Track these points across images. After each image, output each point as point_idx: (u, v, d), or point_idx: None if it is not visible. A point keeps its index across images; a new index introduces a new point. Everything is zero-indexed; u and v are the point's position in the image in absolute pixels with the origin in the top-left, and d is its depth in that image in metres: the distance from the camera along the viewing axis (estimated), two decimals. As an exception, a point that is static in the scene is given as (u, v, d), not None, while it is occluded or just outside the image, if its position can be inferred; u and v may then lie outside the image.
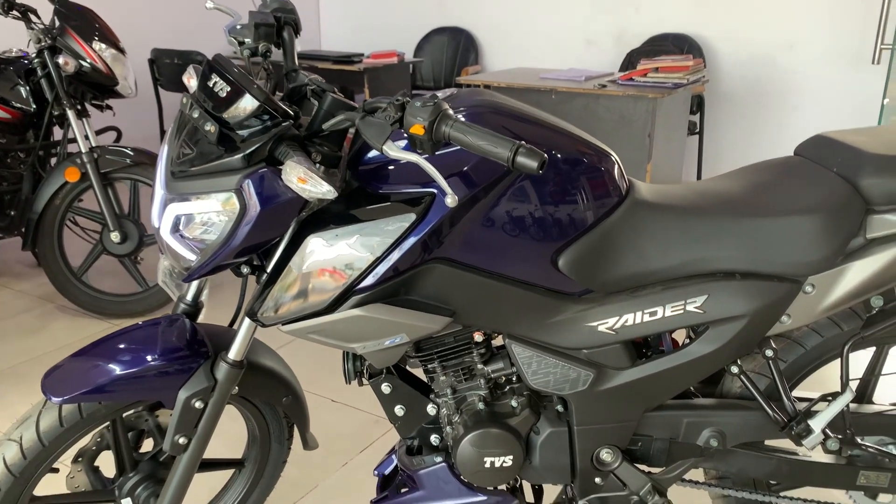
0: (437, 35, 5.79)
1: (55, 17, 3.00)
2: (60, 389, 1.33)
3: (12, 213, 3.27)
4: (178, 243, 1.27)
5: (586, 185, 1.32)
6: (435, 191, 1.24)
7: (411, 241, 1.25)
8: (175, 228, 1.27)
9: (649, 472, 1.52)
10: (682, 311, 1.36)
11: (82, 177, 3.00)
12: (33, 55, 3.02)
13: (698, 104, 4.64)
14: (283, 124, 1.21)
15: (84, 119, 3.05)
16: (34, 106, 3.11)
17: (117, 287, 3.24)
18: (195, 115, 1.24)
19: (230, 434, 2.15)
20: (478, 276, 1.30)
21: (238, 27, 1.44)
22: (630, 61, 4.85)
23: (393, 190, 1.27)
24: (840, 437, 1.45)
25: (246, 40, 1.42)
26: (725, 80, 4.75)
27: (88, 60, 2.98)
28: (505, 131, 1.29)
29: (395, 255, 1.25)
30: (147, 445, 1.61)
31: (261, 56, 1.41)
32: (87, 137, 3.01)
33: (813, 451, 1.50)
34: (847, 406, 1.44)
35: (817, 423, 1.42)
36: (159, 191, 1.29)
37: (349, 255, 1.25)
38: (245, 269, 1.36)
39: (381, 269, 1.25)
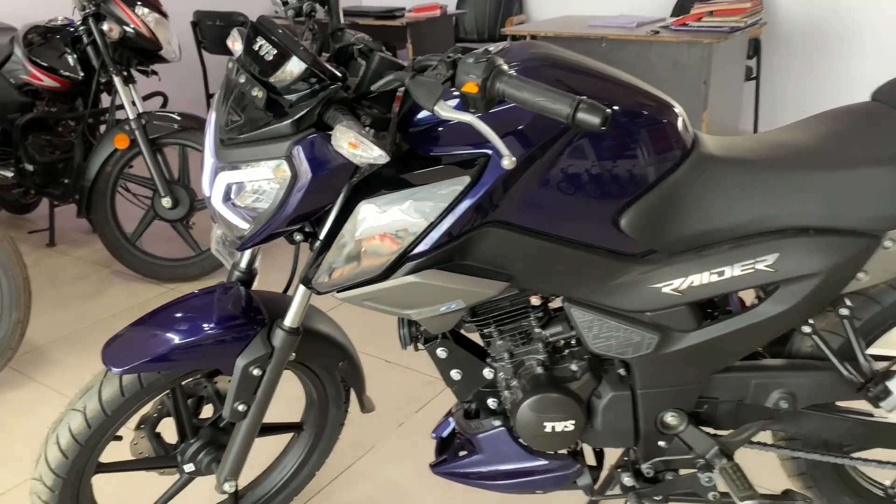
0: (480, -16, 5.63)
1: (98, -17, 2.99)
2: (120, 360, 1.34)
3: (66, 181, 3.31)
4: (231, 212, 1.25)
5: (649, 140, 1.25)
6: (489, 152, 1.19)
7: (466, 204, 1.20)
8: (227, 197, 1.24)
9: (715, 435, 1.48)
10: (751, 271, 1.30)
11: (131, 143, 3.01)
12: (78, 22, 3.02)
13: (755, 48, 4.45)
14: (332, 87, 1.17)
15: (131, 85, 3.05)
16: (82, 74, 3.12)
17: (171, 251, 3.28)
18: (242, 80, 1.21)
19: (288, 397, 2.17)
20: (535, 239, 1.26)
21: (281, -15, 1.40)
22: (682, 4, 4.65)
23: (445, 152, 1.22)
24: (921, 398, 1.38)
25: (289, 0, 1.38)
26: (784, 21, 4.54)
27: (132, 26, 2.97)
28: (561, 85, 1.22)
29: (450, 220, 1.21)
30: (207, 411, 1.63)
31: (305, 16, 1.37)
32: (134, 103, 3.01)
33: (890, 413, 1.44)
34: (928, 366, 1.37)
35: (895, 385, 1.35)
36: (209, 159, 1.27)
37: (402, 220, 1.21)
38: (298, 237, 1.34)
39: (435, 234, 1.22)
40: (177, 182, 3.10)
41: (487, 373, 1.49)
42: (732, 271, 1.30)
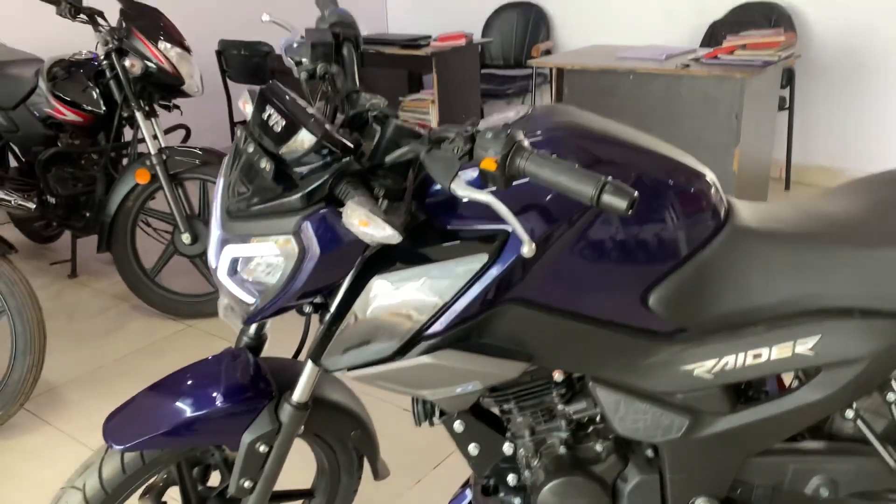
0: (506, 11, 5.58)
1: (121, 19, 2.98)
2: (122, 437, 1.28)
3: (87, 214, 3.30)
4: (237, 286, 1.19)
5: (680, 213, 1.18)
6: (509, 229, 1.12)
7: (484, 283, 1.13)
8: (233, 270, 1.19)
9: (750, 522, 1.39)
10: (790, 354, 1.21)
11: (152, 178, 2.98)
12: (102, 57, 3.01)
13: (788, 78, 4.34)
14: (344, 161, 1.11)
15: (152, 119, 3.03)
16: (104, 108, 3.10)
17: (190, 287, 3.24)
18: (250, 149, 1.15)
19: (299, 461, 2.10)
20: (558, 318, 1.18)
21: (294, 45, 1.34)
22: (713, 34, 4.56)
23: (463, 226, 1.15)
24: (976, 492, 1.28)
25: (303, 60, 1.32)
26: (818, 52, 4.42)
27: (154, 61, 2.95)
28: (587, 155, 1.15)
29: (466, 299, 1.14)
30: (215, 478, 1.56)
31: (318, 78, 1.31)
32: (155, 137, 3.00)
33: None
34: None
35: (948, 477, 1.25)
36: (215, 230, 1.21)
37: (416, 299, 1.14)
38: (308, 309, 1.28)
39: (451, 313, 1.15)
40: (197, 217, 3.07)
41: (507, 448, 1.41)
42: (770, 354, 1.21)
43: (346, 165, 1.11)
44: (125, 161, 3.32)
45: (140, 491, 1.50)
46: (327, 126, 1.10)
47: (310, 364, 1.30)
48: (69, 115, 3.11)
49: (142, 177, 2.98)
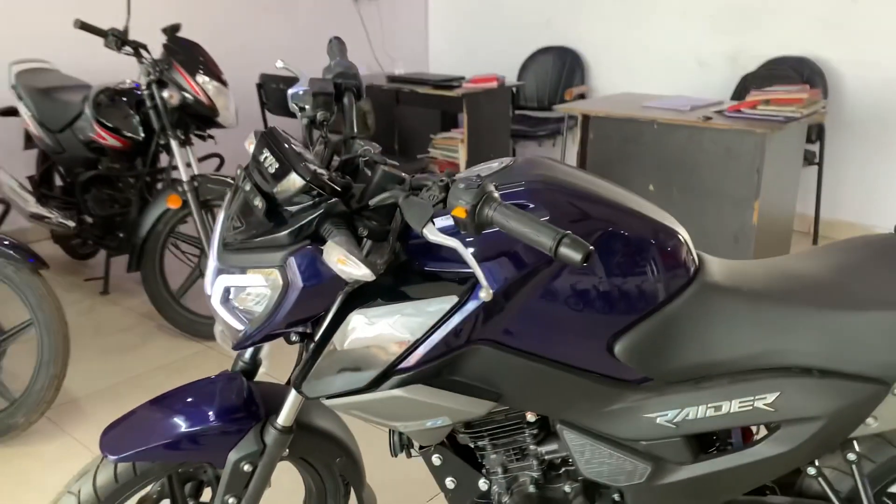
0: (542, 55, 5.70)
1: (164, 52, 3.15)
2: (116, 447, 1.37)
3: (121, 234, 3.45)
4: (228, 313, 1.28)
5: (648, 268, 1.23)
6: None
7: (453, 323, 1.20)
8: (226, 299, 1.27)
9: (714, 572, 1.41)
10: (750, 408, 1.25)
11: (183, 203, 3.12)
12: (143, 87, 3.18)
13: (818, 133, 4.35)
14: (330, 202, 1.19)
15: (187, 147, 3.18)
16: (143, 135, 3.27)
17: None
18: (247, 188, 1.25)
19: (290, 484, 2.17)
20: (525, 360, 1.24)
21: (300, 93, 1.44)
22: (744, 86, 4.59)
23: (439, 268, 1.23)
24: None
25: (306, 107, 1.42)
26: (850, 108, 4.42)
27: (191, 93, 3.10)
28: (562, 207, 1.22)
29: (436, 338, 1.21)
30: (207, 494, 1.64)
31: (318, 125, 1.41)
32: (189, 165, 3.14)
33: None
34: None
35: (903, 540, 1.27)
36: (212, 261, 1.30)
37: (389, 334, 1.22)
38: (294, 338, 1.36)
39: (422, 350, 1.22)
40: (223, 243, 3.19)
41: (482, 484, 1.46)
42: (730, 407, 1.26)
43: (332, 206, 1.19)
44: (160, 186, 3.48)
45: (135, 501, 1.59)
46: (316, 170, 1.19)
47: (293, 390, 1.38)
48: (110, 140, 3.28)
49: (173, 202, 3.12)
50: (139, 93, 3.26)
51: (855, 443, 1.32)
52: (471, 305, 1.19)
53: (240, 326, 1.27)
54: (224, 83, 3.22)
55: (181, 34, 3.27)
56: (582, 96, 5.35)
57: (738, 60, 4.78)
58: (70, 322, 2.49)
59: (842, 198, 4.57)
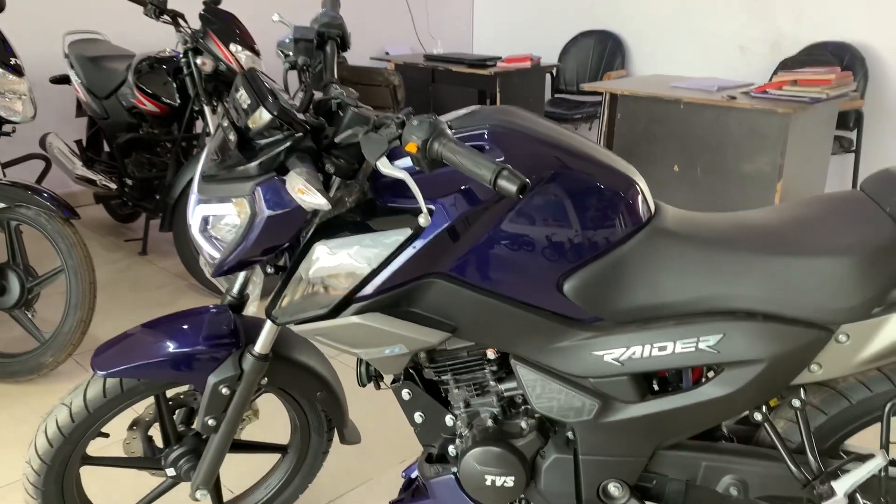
0: (584, 38, 5.69)
1: (201, 21, 3.28)
2: (104, 364, 1.49)
3: (158, 196, 3.62)
4: (206, 242, 1.38)
5: (598, 210, 1.28)
6: (433, 207, 1.26)
7: (407, 255, 1.27)
8: (203, 228, 1.37)
9: (663, 513, 1.45)
10: (693, 349, 1.29)
11: (214, 167, 3.25)
12: (181, 56, 3.32)
13: (856, 120, 4.26)
14: (297, 136, 1.27)
15: (218, 114, 3.31)
16: (179, 101, 3.42)
17: (240, 271, 3.49)
18: (225, 123, 1.34)
19: (282, 420, 2.26)
20: (479, 294, 1.31)
21: (287, 41, 1.53)
22: (782, 71, 4.52)
23: (398, 203, 1.30)
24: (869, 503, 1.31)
25: (290, 53, 1.50)
26: (892, 96, 4.32)
27: (224, 61, 3.23)
28: (520, 149, 1.28)
29: (392, 268, 1.28)
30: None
31: (298, 70, 1.49)
32: (220, 131, 3.27)
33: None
34: (884, 471, 1.30)
35: (841, 486, 1.29)
36: (193, 192, 1.40)
37: (349, 264, 1.30)
38: (269, 269, 1.45)
39: (379, 280, 1.29)
40: (250, 207, 3.32)
41: (449, 420, 1.53)
42: (675, 348, 1.30)
43: (298, 141, 1.28)
44: (195, 151, 3.63)
45: (129, 423, 1.71)
46: (284, 105, 1.27)
47: (268, 319, 1.48)
48: (149, 106, 3.44)
49: (205, 165, 3.26)
50: (177, 61, 3.42)
51: (802, 391, 1.34)
52: (425, 237, 1.26)
53: (216, 254, 1.37)
54: (257, 53, 3.35)
55: (222, 6, 3.40)
56: (621, 80, 5.33)
57: (780, 46, 4.70)
58: (108, 279, 2.64)
59: (881, 188, 4.46)
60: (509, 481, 1.43)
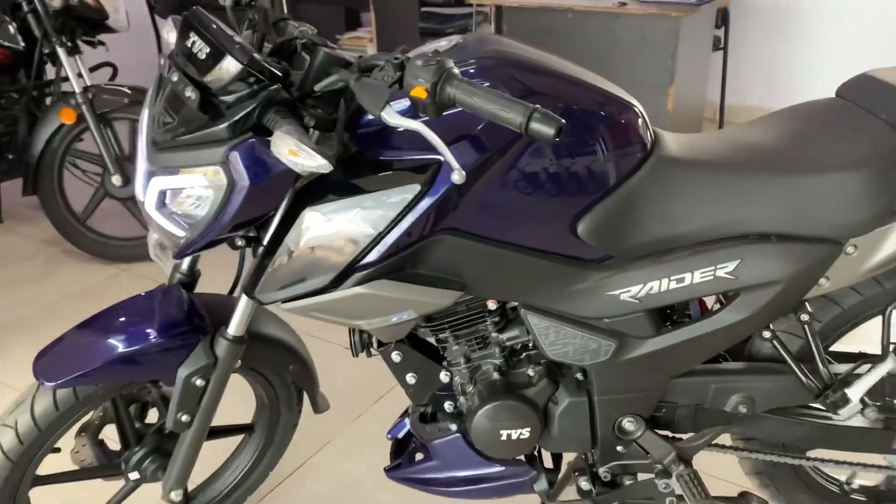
0: (447, -54, 5.47)
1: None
2: (53, 374, 1.27)
3: (10, 156, 3.16)
4: (166, 219, 1.17)
5: (607, 144, 1.20)
6: (441, 158, 1.13)
7: (416, 213, 1.14)
8: (161, 203, 1.17)
9: (674, 439, 1.46)
10: (711, 278, 1.26)
11: (78, 118, 2.88)
12: (17, -12, 2.86)
13: (723, 18, 4.38)
14: (271, 88, 1.09)
15: (76, 56, 2.90)
16: (23, 44, 2.95)
17: (123, 230, 3.17)
18: (174, 78, 1.12)
19: (239, 396, 2.11)
20: (489, 247, 1.20)
21: (219, -29, 1.30)
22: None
23: (395, 157, 1.16)
24: (878, 404, 1.37)
25: (226, -15, 1.28)
26: (752, -10, 4.48)
27: (76, -7, 2.81)
28: (517, 85, 1.16)
29: (399, 230, 1.15)
30: (152, 416, 1.56)
31: (245, 5, 1.28)
32: (80, 75, 2.88)
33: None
34: (887, 373, 1.35)
35: (855, 392, 1.33)
36: (142, 163, 1.18)
37: (349, 230, 1.15)
38: (240, 242, 1.27)
39: (385, 244, 1.16)
40: (128, 159, 2.98)
41: (444, 376, 1.44)
42: (692, 278, 1.26)
43: (274, 93, 1.09)
44: (49, 101, 3.18)
45: (76, 428, 1.50)
46: (254, 53, 1.08)
47: (244, 298, 1.31)
48: (-15, 52, 2.95)
49: (67, 116, 2.87)
50: (13, -4, 2.94)
51: (807, 304, 1.36)
52: (435, 193, 1.14)
53: (180, 233, 1.17)
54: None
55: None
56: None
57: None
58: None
59: (746, 83, 4.67)
60: (525, 433, 1.37)
